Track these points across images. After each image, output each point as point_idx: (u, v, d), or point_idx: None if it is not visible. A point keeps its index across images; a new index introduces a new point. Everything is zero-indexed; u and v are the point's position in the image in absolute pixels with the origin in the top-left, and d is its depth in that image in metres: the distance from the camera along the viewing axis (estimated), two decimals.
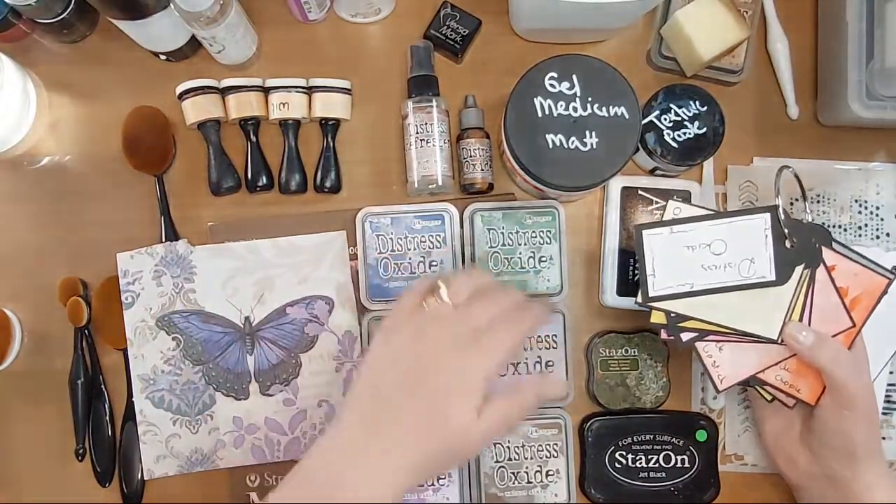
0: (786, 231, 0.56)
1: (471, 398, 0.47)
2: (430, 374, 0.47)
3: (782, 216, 0.55)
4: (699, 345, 0.57)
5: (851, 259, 0.56)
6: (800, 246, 0.56)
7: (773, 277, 0.56)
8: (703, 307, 0.57)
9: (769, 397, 0.58)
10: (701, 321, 0.57)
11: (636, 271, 0.65)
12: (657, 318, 0.57)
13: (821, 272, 0.56)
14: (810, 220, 0.56)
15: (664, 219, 0.57)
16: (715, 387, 0.57)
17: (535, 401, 0.50)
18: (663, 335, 0.57)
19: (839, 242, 0.57)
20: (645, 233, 0.57)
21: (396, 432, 0.46)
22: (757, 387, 0.58)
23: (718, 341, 0.57)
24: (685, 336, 0.57)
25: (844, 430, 0.55)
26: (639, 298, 0.57)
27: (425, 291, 0.51)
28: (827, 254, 0.56)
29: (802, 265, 0.56)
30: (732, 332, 0.57)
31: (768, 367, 0.57)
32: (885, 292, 0.57)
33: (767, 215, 0.56)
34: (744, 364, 0.57)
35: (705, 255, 0.56)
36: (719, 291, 0.56)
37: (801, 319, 0.56)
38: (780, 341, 0.56)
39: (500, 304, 0.50)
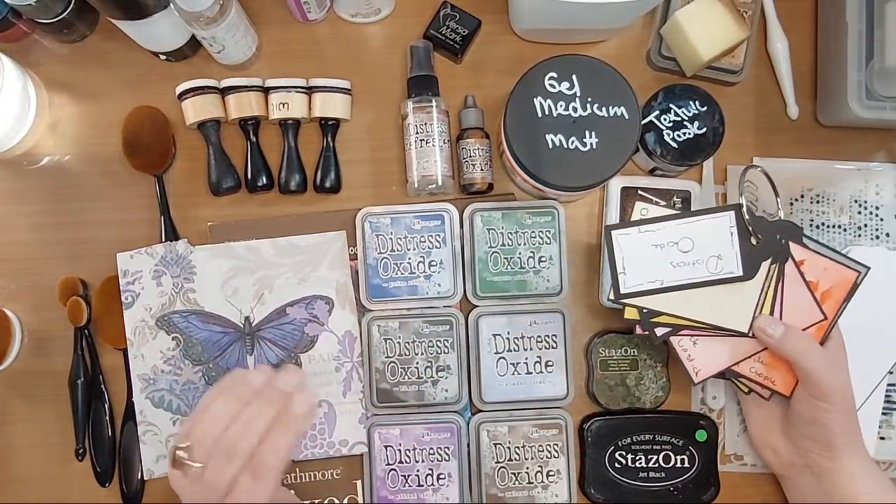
0: (750, 228, 0.56)
1: None
2: None
3: (746, 215, 0.56)
4: (674, 339, 0.58)
5: (820, 254, 0.57)
6: (766, 242, 0.57)
7: (740, 273, 0.57)
8: (675, 303, 0.58)
9: (746, 389, 0.59)
10: (673, 316, 0.58)
11: None
12: (630, 314, 0.59)
13: (790, 266, 0.57)
14: (783, 217, 0.58)
15: (632, 219, 0.59)
16: (690, 380, 0.58)
17: None
18: (638, 330, 0.59)
19: (809, 237, 0.58)
20: (614, 233, 0.58)
21: None
22: (733, 379, 0.59)
23: (692, 335, 0.58)
24: (659, 331, 0.58)
25: (820, 421, 0.55)
26: (611, 296, 0.58)
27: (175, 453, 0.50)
28: (795, 249, 0.57)
29: (769, 260, 0.57)
30: (705, 326, 0.58)
31: (743, 360, 0.58)
32: (855, 285, 0.58)
33: (731, 213, 0.57)
34: (718, 357, 0.58)
35: (673, 253, 0.57)
36: (689, 287, 0.57)
37: (771, 313, 0.57)
38: (750, 334, 0.57)
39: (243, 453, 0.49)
